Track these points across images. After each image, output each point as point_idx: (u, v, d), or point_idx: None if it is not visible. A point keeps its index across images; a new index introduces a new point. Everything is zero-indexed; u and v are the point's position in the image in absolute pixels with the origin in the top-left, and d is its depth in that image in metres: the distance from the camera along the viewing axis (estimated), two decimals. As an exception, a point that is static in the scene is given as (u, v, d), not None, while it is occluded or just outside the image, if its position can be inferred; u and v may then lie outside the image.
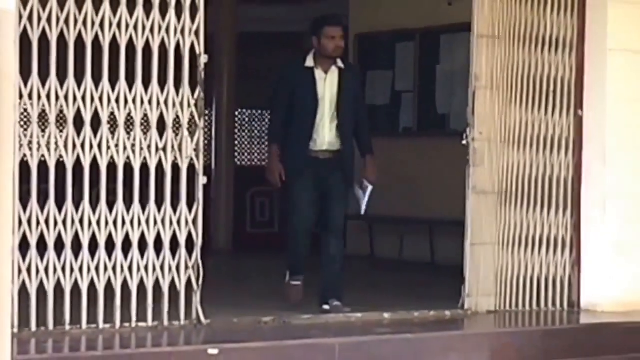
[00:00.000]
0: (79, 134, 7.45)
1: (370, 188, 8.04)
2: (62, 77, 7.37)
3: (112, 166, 7.53)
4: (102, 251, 7.52)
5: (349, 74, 7.91)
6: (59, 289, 7.36)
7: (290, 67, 8.06)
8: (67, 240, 7.43)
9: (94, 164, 7.48)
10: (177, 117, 7.75)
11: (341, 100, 7.75)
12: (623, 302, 9.03)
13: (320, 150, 7.88)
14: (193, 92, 7.76)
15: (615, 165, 9.18)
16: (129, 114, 7.64)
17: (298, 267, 8.21)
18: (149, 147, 7.67)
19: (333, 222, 8.06)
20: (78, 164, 7.46)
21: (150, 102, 7.66)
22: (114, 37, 7.53)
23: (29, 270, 7.30)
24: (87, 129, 7.46)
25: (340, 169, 7.90)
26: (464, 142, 8.85)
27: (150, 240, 7.67)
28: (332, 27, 7.71)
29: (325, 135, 8.10)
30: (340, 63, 7.81)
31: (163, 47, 7.66)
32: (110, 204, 7.56)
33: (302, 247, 8.19)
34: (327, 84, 7.75)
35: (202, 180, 7.82)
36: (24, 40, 7.20)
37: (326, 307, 8.09)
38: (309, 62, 7.81)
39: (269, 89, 16.10)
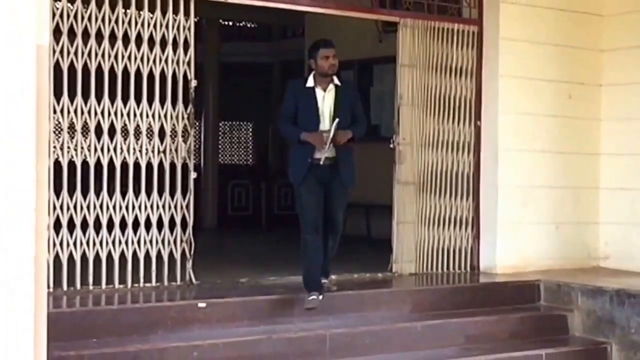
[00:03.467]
0: (99, 140, 7.51)
1: (335, 121, 7.03)
2: (85, 97, 7.46)
3: (124, 164, 7.60)
4: (117, 229, 7.60)
5: (344, 90, 7.32)
6: (84, 258, 7.47)
7: (294, 86, 7.36)
8: (90, 220, 7.48)
9: (111, 163, 7.55)
10: (174, 127, 7.77)
11: (337, 112, 7.16)
12: (511, 267, 9.08)
13: (320, 157, 7.11)
14: (186, 108, 7.79)
15: (505, 163, 9.21)
16: (137, 125, 7.65)
17: (315, 284, 7.16)
18: (152, 150, 7.71)
19: (334, 224, 7.32)
20: (98, 163, 7.50)
21: (153, 115, 7.69)
22: (125, 66, 7.57)
23: (61, 243, 7.37)
24: (105, 137, 7.52)
25: (338, 174, 7.19)
26: (391, 145, 8.89)
27: (154, 220, 7.71)
28: (326, 49, 7.21)
29: None
30: (336, 81, 7.28)
31: (163, 74, 7.72)
32: (123, 193, 7.61)
33: (316, 258, 7.19)
34: (326, 101, 7.22)
35: (193, 175, 7.86)
36: (57, 68, 7.24)
37: (323, 280, 7.40)
38: (310, 82, 7.25)
39: (246, 106, 16.41)
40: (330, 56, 7.17)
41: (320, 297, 7.07)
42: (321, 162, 7.08)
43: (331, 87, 7.23)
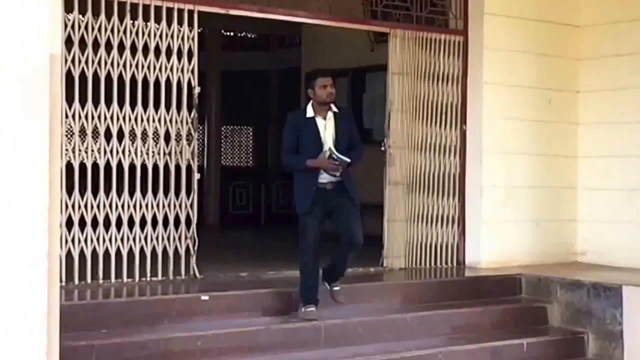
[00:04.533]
0: (108, 143, 7.50)
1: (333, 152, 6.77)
2: (95, 103, 7.44)
3: (132, 166, 7.60)
4: (125, 227, 7.59)
5: (342, 116, 7.01)
6: (94, 254, 7.47)
7: (294, 119, 7.04)
8: (100, 218, 7.48)
9: (119, 165, 7.54)
10: (179, 131, 7.76)
11: (338, 139, 6.91)
12: (494, 262, 9.07)
13: (326, 182, 6.84)
14: (190, 113, 7.79)
15: (489, 164, 9.22)
16: (144, 129, 7.64)
17: (310, 298, 6.93)
18: (158, 152, 7.71)
19: (355, 241, 6.86)
20: (108, 165, 7.49)
21: (159, 120, 7.68)
22: (133, 74, 7.56)
23: (72, 240, 7.36)
24: (114, 140, 7.51)
25: (345, 192, 6.89)
26: (382, 148, 8.91)
27: (160, 218, 7.72)
28: (323, 78, 6.92)
29: None
30: (334, 108, 6.97)
31: (168, 81, 7.69)
32: (131, 193, 7.59)
33: (314, 280, 6.91)
34: (328, 129, 6.92)
35: (196, 176, 7.86)
36: (69, 76, 7.22)
37: (328, 287, 7.07)
38: (309, 113, 6.94)
39: (246, 111, 16.38)
40: (328, 85, 6.93)
41: (316, 309, 6.93)
42: (327, 187, 6.86)
43: (330, 115, 6.98)
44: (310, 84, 7.01)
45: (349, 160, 6.82)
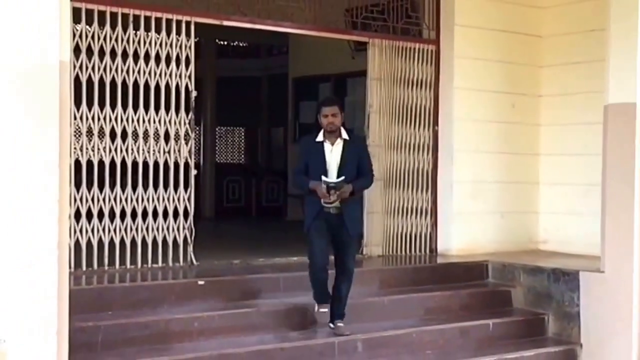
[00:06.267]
0: (113, 142, 7.49)
1: (331, 182, 6.41)
2: (101, 105, 7.43)
3: (134, 163, 7.60)
4: (128, 218, 7.59)
5: (352, 144, 6.61)
6: (100, 243, 7.46)
7: (306, 142, 6.69)
8: (106, 211, 7.47)
9: (123, 162, 7.55)
10: (177, 131, 7.75)
11: (343, 165, 6.51)
12: (464, 249, 9.10)
13: (330, 206, 6.49)
14: (187, 115, 7.78)
15: (459, 161, 9.22)
16: (145, 129, 7.63)
17: (323, 297, 6.68)
18: (158, 151, 7.70)
19: (346, 268, 6.64)
20: (112, 162, 7.48)
21: (159, 121, 7.67)
22: (136, 79, 7.55)
23: (80, 230, 7.36)
24: (118, 139, 7.52)
25: (344, 225, 6.54)
26: None
27: (160, 210, 7.72)
28: (326, 107, 6.52)
29: None
30: (345, 135, 6.59)
31: (167, 86, 7.69)
32: (134, 188, 7.58)
33: (322, 281, 6.63)
34: (334, 154, 6.53)
35: (193, 172, 7.85)
36: (77, 81, 7.21)
37: (332, 326, 6.77)
38: (320, 137, 6.56)
39: (238, 114, 16.33)
40: (329, 114, 6.50)
41: (329, 310, 6.74)
42: (331, 211, 6.52)
43: (339, 141, 6.58)
44: (317, 111, 6.65)
45: (348, 185, 6.45)
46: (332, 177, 6.51)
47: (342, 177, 6.49)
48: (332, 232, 6.58)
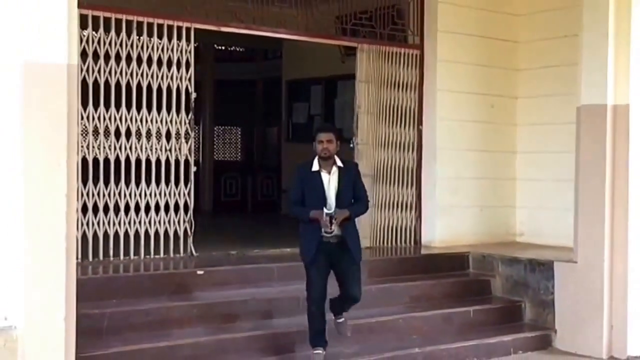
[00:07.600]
0: (117, 141, 7.46)
1: (332, 212, 5.95)
2: (107, 106, 7.42)
3: (138, 160, 7.58)
4: (132, 212, 7.57)
5: (346, 171, 6.14)
6: (106, 235, 7.45)
7: (301, 172, 6.16)
8: (111, 205, 7.47)
9: (127, 159, 7.53)
10: (178, 130, 7.74)
11: (341, 194, 6.06)
12: (446, 241, 9.09)
13: (330, 235, 5.98)
14: (187, 115, 7.76)
15: (441, 159, 9.20)
16: (148, 129, 7.61)
17: (317, 341, 6.17)
18: (160, 148, 7.68)
19: (353, 297, 6.14)
20: (117, 159, 7.46)
21: (161, 121, 7.66)
22: (139, 82, 7.56)
23: (87, 223, 7.35)
24: (123, 138, 7.49)
25: (347, 249, 6.05)
26: (351, 145, 8.87)
27: (162, 205, 7.70)
28: (321, 133, 6.10)
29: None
30: (339, 162, 6.13)
31: (169, 88, 7.69)
32: (137, 183, 7.57)
33: (320, 319, 6.13)
34: (332, 183, 6.06)
35: (193, 169, 7.82)
36: (83, 83, 7.17)
37: (339, 319, 6.37)
38: (315, 166, 6.10)
39: (235, 114, 16.28)
40: (324, 140, 6.06)
41: (324, 352, 6.20)
42: (331, 240, 6.01)
43: (334, 169, 6.11)
44: (313, 138, 6.19)
45: (344, 210, 6.01)
46: (331, 205, 6.06)
47: (344, 210, 6.04)
48: (333, 260, 6.09)
